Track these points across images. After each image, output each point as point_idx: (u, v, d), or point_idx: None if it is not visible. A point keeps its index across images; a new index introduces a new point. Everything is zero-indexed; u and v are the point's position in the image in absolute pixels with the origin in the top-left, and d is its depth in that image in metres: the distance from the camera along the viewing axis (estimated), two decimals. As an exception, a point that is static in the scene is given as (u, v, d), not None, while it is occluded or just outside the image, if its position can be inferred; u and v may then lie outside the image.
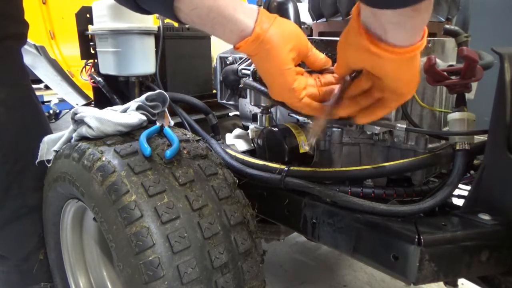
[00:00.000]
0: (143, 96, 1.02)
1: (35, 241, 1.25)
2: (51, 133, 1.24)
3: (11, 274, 1.26)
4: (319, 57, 0.75)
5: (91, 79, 1.51)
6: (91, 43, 1.51)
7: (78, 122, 0.97)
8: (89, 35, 1.50)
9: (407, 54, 0.56)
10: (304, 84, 0.70)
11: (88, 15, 1.49)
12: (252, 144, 1.19)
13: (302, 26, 1.15)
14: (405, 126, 0.84)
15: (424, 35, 0.57)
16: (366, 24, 0.56)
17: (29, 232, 1.24)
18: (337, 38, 0.66)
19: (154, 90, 1.24)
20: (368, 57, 0.58)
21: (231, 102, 1.37)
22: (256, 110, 1.12)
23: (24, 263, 1.25)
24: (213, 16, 0.63)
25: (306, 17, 1.11)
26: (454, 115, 0.82)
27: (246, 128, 1.33)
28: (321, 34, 1.01)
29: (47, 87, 3.86)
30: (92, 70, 1.54)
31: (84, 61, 1.55)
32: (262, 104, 1.06)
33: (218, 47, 1.52)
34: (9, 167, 1.16)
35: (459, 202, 0.88)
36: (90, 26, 1.47)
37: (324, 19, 1.01)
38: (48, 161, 1.08)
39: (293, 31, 0.69)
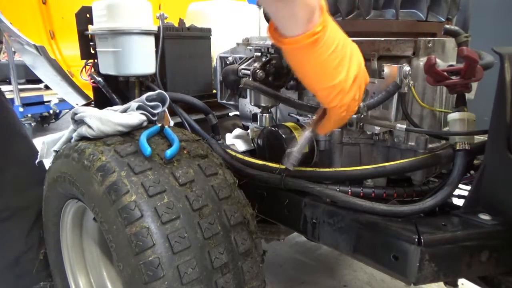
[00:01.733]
0: (143, 96, 1.02)
1: (23, 244, 1.21)
2: (25, 133, 1.21)
3: (4, 277, 1.23)
4: None
5: (91, 79, 1.51)
6: (91, 43, 1.51)
7: (78, 122, 0.97)
8: (89, 35, 1.50)
9: (290, 44, 0.60)
10: None
11: (88, 15, 1.48)
12: (252, 144, 1.19)
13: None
14: (405, 126, 0.84)
15: (312, 30, 0.58)
16: None
17: (15, 235, 1.20)
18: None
19: (154, 90, 1.23)
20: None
21: (231, 102, 1.37)
22: (256, 110, 1.12)
23: (15, 266, 1.21)
24: None
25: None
26: (454, 115, 0.82)
27: (246, 128, 1.33)
28: (321, 34, 1.01)
29: (47, 87, 3.87)
30: (92, 70, 1.54)
31: (84, 61, 1.55)
32: (262, 104, 1.06)
33: (218, 47, 1.51)
34: None
35: (459, 202, 0.88)
36: (90, 26, 1.47)
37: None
38: (40, 162, 1.05)
39: None
